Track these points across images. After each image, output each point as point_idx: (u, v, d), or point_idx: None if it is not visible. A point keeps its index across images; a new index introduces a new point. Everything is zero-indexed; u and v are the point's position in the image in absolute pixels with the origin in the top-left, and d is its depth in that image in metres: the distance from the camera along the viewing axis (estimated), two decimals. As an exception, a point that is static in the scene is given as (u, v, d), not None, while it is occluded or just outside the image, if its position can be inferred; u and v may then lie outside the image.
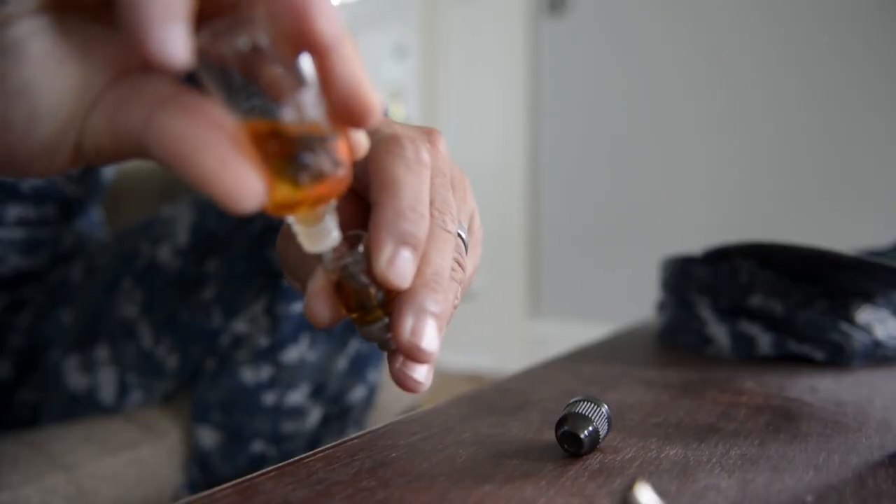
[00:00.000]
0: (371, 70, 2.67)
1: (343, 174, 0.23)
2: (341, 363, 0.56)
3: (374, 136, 0.27)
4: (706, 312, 0.54)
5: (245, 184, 0.20)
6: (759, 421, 0.34)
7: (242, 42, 0.20)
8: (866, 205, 1.74)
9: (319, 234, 0.24)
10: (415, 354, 0.25)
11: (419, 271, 0.25)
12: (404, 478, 0.27)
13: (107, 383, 0.56)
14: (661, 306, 0.60)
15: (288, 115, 0.21)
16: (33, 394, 0.59)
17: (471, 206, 0.32)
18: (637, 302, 1.83)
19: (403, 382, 0.26)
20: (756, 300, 0.52)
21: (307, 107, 0.21)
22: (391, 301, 0.26)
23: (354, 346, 0.56)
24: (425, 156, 0.27)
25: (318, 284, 0.25)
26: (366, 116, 0.22)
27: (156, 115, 0.20)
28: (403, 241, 0.25)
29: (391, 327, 0.25)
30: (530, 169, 2.28)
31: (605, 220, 2.15)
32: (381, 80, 2.65)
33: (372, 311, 0.26)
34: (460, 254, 0.29)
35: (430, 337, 0.25)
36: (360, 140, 0.24)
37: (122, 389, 0.56)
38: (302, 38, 0.20)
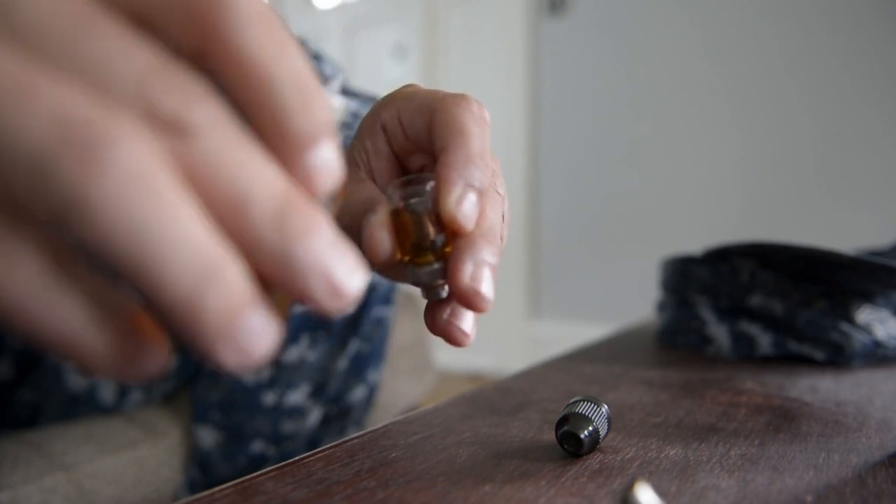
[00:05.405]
0: (371, 70, 2.67)
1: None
2: (341, 363, 0.56)
3: (439, 93, 0.28)
4: (706, 312, 0.54)
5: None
6: (759, 421, 0.34)
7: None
8: (867, 204, 1.74)
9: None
10: (473, 300, 0.25)
11: (477, 223, 0.26)
12: (404, 478, 0.27)
13: (106, 383, 0.56)
14: (661, 306, 0.60)
15: None
16: (33, 394, 0.59)
17: (502, 191, 0.32)
18: (637, 302, 1.83)
19: (450, 333, 0.26)
20: (756, 300, 0.52)
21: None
22: (445, 250, 0.26)
23: (354, 346, 0.56)
24: (487, 115, 0.28)
25: (381, 218, 0.26)
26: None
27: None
28: (471, 184, 0.25)
29: (449, 272, 0.25)
30: (530, 169, 2.28)
31: (605, 220, 2.15)
32: (381, 80, 2.65)
33: (424, 254, 0.26)
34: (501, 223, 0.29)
35: (487, 284, 0.25)
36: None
37: (122, 389, 0.56)
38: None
